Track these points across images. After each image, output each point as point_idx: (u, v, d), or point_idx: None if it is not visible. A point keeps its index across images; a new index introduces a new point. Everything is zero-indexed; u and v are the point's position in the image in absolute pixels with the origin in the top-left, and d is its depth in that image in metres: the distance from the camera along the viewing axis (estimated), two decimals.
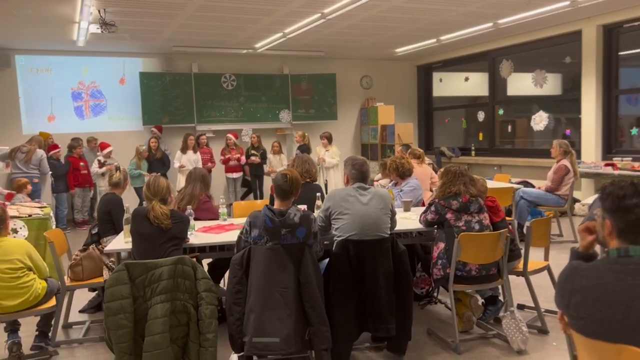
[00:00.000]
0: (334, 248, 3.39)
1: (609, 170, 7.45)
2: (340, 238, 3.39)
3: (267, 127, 10.75)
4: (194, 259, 3.32)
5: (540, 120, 9.26)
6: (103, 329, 2.94)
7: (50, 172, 7.58)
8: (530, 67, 9.39)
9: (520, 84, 9.97)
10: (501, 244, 3.51)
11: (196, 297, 3.00)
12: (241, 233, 3.30)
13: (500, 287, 3.92)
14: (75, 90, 9.71)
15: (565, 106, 9.16)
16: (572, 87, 8.83)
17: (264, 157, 9.51)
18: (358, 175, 3.52)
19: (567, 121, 9.22)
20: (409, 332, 3.37)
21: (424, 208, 3.94)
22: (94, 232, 4.48)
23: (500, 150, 10.27)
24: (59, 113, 9.61)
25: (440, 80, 12.03)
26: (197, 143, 9.27)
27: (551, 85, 9.34)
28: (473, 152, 10.79)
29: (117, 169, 4.58)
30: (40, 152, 7.20)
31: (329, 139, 9.27)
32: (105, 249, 3.60)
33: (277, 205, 3.26)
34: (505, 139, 10.38)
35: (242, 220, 4.42)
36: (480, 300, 3.91)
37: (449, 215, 3.57)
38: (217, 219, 4.48)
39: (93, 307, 4.54)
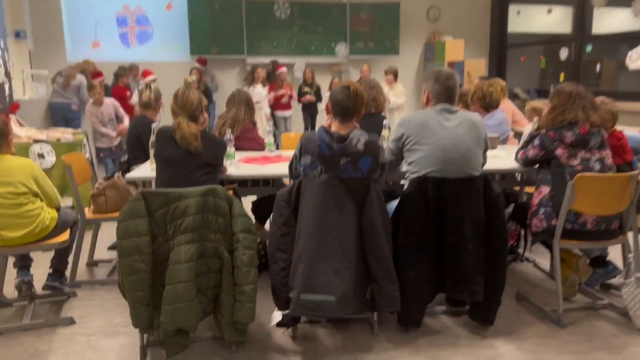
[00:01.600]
0: (406, 187, 2.65)
1: None
2: (415, 175, 2.64)
3: (322, 61, 9.87)
4: (231, 191, 2.66)
5: (637, 58, 7.97)
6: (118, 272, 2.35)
7: None
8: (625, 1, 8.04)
9: (610, 21, 8.64)
10: (630, 190, 2.67)
11: (231, 238, 2.36)
12: (293, 160, 2.61)
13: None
14: (120, 15, 9.12)
15: None
16: None
17: (318, 94, 8.67)
18: (443, 92, 2.71)
19: None
20: (499, 296, 2.63)
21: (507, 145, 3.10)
22: (123, 159, 3.90)
23: None
24: (103, 40, 9.08)
25: (518, 13, 10.71)
26: (268, 76, 8.38)
27: None
28: (528, 97, 9.60)
29: (148, 86, 3.92)
30: (80, 78, 6.65)
31: (395, 74, 8.21)
32: (127, 175, 2.99)
33: (335, 127, 2.51)
34: (591, 79, 9.14)
35: (293, 153, 3.74)
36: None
37: (559, 151, 2.73)
38: (263, 150, 3.80)
39: None
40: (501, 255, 2.59)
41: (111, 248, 4.05)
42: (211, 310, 2.44)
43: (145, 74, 7.76)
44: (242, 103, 3.75)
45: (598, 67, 9.06)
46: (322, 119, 8.55)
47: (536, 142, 2.82)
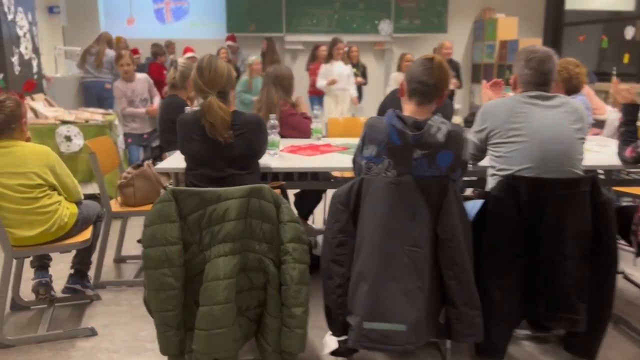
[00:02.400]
0: (492, 188, 2.17)
1: None
2: (503, 173, 2.15)
3: (364, 39, 9.32)
4: (277, 191, 2.22)
5: None
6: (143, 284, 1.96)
7: None
8: None
9: None
10: None
11: (278, 248, 1.93)
12: (356, 151, 2.16)
13: None
14: None
15: None
16: None
17: (364, 75, 8.05)
18: (535, 77, 2.20)
19: None
20: (605, 326, 2.14)
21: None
22: (154, 144, 3.52)
23: None
24: (138, 16, 8.76)
25: None
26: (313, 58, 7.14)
27: None
28: (614, 78, 8.82)
29: (173, 64, 3.49)
30: (111, 53, 6.30)
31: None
32: (158, 165, 2.59)
33: (409, 111, 2.04)
34: None
35: (342, 141, 3.29)
36: None
37: None
38: (308, 137, 3.36)
39: None
40: (609, 276, 2.10)
41: (141, 241, 3.70)
42: (253, 334, 2.03)
43: (186, 50, 7.31)
44: (271, 83, 3.26)
45: None
46: (366, 104, 8.04)
47: None
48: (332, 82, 6.34)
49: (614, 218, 2.09)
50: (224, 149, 2.23)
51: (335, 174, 3.23)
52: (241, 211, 1.87)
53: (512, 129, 2.15)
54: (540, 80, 2.20)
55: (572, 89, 3.48)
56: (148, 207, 3.01)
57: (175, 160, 2.64)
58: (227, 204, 1.87)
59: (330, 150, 2.91)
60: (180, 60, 3.48)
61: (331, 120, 4.07)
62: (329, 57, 6.46)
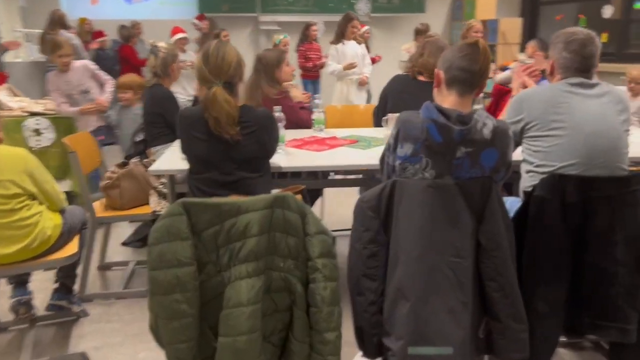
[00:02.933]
0: (534, 188, 1.96)
1: None
2: (544, 170, 1.96)
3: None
4: (298, 196, 1.97)
5: None
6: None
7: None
8: None
9: None
10: None
11: (305, 264, 1.69)
12: (385, 150, 1.93)
13: None
14: None
15: None
16: None
17: None
18: (577, 62, 2.00)
19: None
20: None
21: None
22: (137, 139, 3.20)
23: (634, 56, 8.27)
24: None
25: None
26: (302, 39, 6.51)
27: None
28: None
29: (153, 51, 3.14)
30: (66, 35, 5.60)
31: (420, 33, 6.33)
32: (151, 168, 2.29)
33: (450, 103, 1.81)
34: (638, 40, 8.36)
35: (347, 133, 3.04)
36: None
37: None
38: (308, 127, 3.10)
39: (140, 240, 3.37)
40: None
41: (126, 244, 3.40)
42: None
43: (175, 31, 6.26)
44: (259, 70, 2.97)
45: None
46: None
47: None
48: (351, 66, 5.34)
49: None
50: (233, 149, 1.96)
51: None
52: (264, 225, 1.62)
53: (553, 121, 1.95)
54: (582, 66, 2.00)
55: None
56: (136, 210, 2.75)
57: (171, 161, 2.35)
58: (248, 217, 1.61)
59: (339, 144, 2.67)
60: (161, 44, 3.15)
61: (329, 108, 3.80)
62: (340, 36, 5.45)
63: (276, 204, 1.64)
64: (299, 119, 3.04)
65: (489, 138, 1.73)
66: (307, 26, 6.60)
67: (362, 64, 5.58)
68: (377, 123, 3.39)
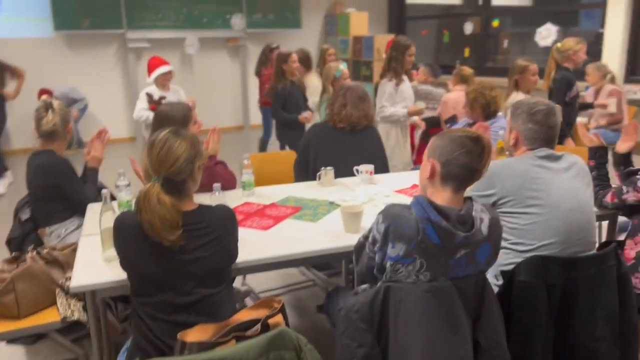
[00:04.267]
0: (515, 270, 1.88)
1: None
2: (523, 248, 1.90)
3: (216, 35, 8.62)
4: (278, 318, 1.67)
5: (547, 35, 7.94)
6: None
7: None
8: None
9: None
10: None
11: None
12: (364, 237, 1.73)
13: None
14: None
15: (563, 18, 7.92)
16: None
17: None
18: (543, 132, 1.99)
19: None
20: None
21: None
22: (24, 216, 2.63)
23: (492, 70, 8.97)
24: None
25: None
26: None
27: None
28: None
29: (48, 106, 2.62)
30: None
31: (305, 61, 5.32)
32: (72, 285, 1.81)
33: (443, 199, 1.64)
34: (499, 55, 9.08)
35: (280, 193, 2.76)
36: None
37: None
38: (232, 186, 2.79)
39: (32, 336, 2.77)
40: (633, 351, 1.97)
41: (13, 341, 2.79)
42: None
43: (155, 63, 4.84)
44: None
45: (506, 42, 9.00)
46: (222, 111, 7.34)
47: None
48: (419, 112, 4.34)
49: (633, 290, 1.97)
50: (191, 263, 1.61)
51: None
52: None
53: (529, 197, 1.90)
54: (548, 136, 1.99)
55: (491, 114, 3.41)
56: (40, 318, 2.21)
57: (92, 268, 1.89)
58: None
59: (282, 215, 2.40)
60: (54, 101, 2.62)
61: (254, 158, 3.35)
62: (399, 71, 4.13)
63: (272, 346, 1.35)
64: (226, 180, 2.71)
65: (486, 234, 1.60)
66: (271, 49, 5.97)
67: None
68: (300, 177, 3.16)
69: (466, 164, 1.58)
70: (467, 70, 4.70)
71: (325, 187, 2.83)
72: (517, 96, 3.86)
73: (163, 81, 4.74)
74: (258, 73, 6.23)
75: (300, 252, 2.03)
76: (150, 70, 4.76)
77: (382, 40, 8.86)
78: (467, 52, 9.43)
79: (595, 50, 7.44)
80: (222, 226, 1.67)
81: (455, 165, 1.59)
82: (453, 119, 3.85)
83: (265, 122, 6.16)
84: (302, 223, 2.31)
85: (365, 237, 1.73)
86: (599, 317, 1.87)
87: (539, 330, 1.83)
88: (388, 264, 1.61)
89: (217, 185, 2.28)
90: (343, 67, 4.37)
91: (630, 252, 2.26)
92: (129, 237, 1.61)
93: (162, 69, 4.69)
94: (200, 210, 1.66)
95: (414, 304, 1.58)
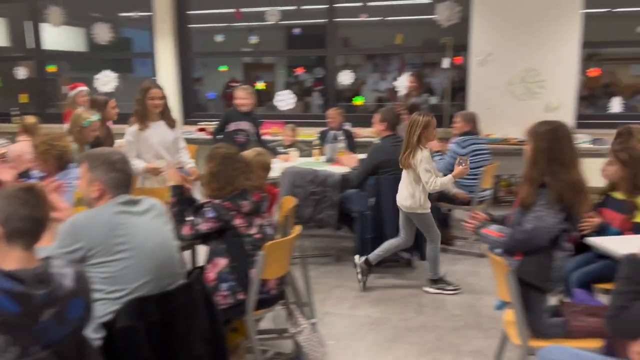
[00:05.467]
0: (114, 319, 1.88)
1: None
2: (118, 294, 1.93)
3: None
4: None
5: (108, 81, 8.21)
6: None
7: None
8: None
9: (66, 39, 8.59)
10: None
11: None
12: None
13: None
14: None
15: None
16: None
17: None
18: (123, 179, 2.07)
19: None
20: None
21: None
22: None
23: (57, 116, 8.54)
24: None
25: None
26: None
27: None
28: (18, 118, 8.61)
29: None
30: None
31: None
32: None
33: (15, 260, 1.49)
34: (61, 102, 8.75)
35: None
36: None
37: (237, 221, 2.55)
38: None
39: None
40: (224, 355, 2.25)
41: None
42: None
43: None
44: None
45: (65, 88, 8.74)
46: None
47: (210, 214, 2.53)
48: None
49: (217, 306, 2.26)
50: None
51: None
52: None
53: (116, 244, 1.94)
54: (126, 182, 2.08)
55: (63, 166, 3.26)
56: None
57: None
58: None
59: None
60: None
61: None
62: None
63: None
64: None
65: (74, 288, 1.55)
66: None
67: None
68: None
69: (28, 215, 1.50)
70: (31, 119, 4.39)
71: None
72: (424, 153, 3.59)
73: None
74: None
75: None
76: None
77: None
78: (24, 97, 8.74)
79: None
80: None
81: (17, 219, 1.49)
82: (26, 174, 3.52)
83: None
84: None
85: None
86: (195, 339, 2.06)
87: None
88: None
89: None
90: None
91: (210, 274, 2.57)
92: None
93: None
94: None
95: None
